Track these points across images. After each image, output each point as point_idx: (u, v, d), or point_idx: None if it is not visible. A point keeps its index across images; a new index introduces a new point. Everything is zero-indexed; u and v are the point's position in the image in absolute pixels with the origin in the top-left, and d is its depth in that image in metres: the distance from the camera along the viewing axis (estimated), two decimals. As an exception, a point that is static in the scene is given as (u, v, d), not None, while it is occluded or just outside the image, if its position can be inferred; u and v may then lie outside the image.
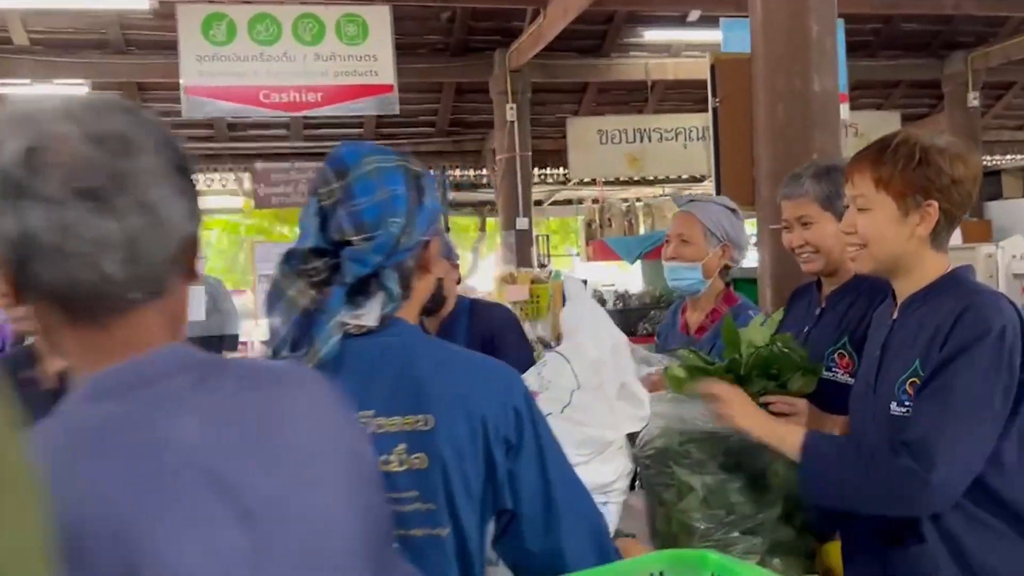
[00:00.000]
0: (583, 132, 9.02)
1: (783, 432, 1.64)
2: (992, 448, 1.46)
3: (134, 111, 0.76)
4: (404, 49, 7.91)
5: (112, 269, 0.70)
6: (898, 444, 1.48)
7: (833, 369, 2.03)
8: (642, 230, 4.92)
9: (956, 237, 5.57)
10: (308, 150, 9.38)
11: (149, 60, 7.65)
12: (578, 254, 8.33)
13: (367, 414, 1.11)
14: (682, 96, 9.66)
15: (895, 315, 1.67)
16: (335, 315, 1.13)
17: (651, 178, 10.25)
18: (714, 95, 3.69)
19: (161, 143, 0.75)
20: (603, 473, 1.75)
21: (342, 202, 1.13)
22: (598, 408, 1.77)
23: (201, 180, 9.56)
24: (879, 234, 1.58)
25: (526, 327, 6.37)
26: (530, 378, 1.96)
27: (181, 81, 6.08)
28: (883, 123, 9.56)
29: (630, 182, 10.59)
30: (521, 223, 8.14)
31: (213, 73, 6.14)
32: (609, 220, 4.78)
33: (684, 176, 10.49)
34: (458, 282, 2.74)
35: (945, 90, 9.95)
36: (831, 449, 1.58)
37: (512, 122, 8.11)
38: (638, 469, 1.89)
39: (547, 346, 6.19)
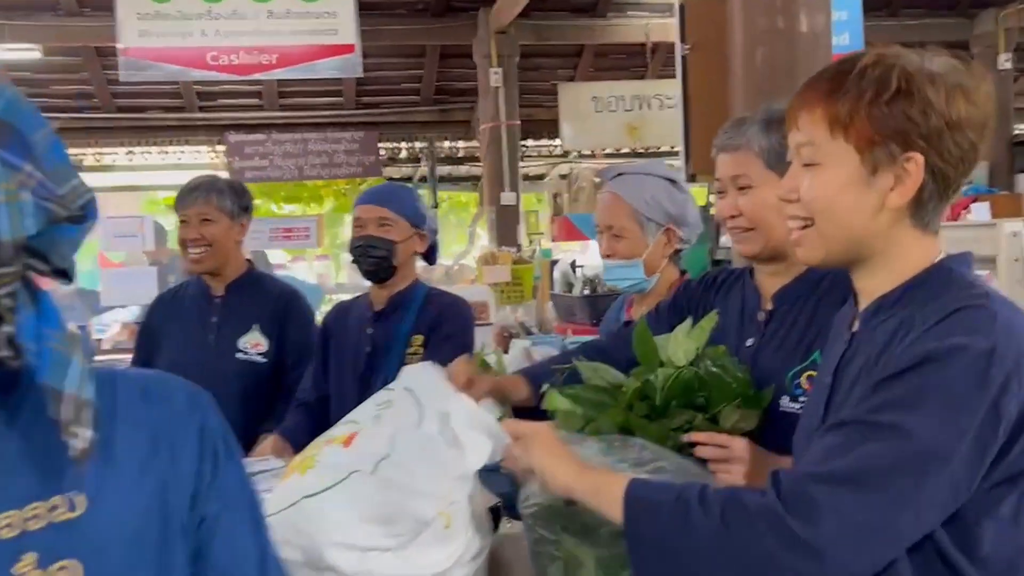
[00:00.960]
0: (576, 100, 8.36)
1: (597, 480, 1.10)
2: (945, 522, 0.94)
3: None
4: (379, 8, 7.33)
5: None
6: (770, 482, 0.95)
7: (800, 398, 1.44)
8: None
9: (983, 211, 4.88)
10: (284, 120, 8.84)
11: (106, 23, 7.12)
12: (540, 234, 7.72)
13: None
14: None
15: (855, 326, 1.10)
16: None
17: (654, 149, 9.58)
18: (683, 42, 3.09)
19: None
20: (431, 561, 1.20)
21: None
22: (423, 466, 1.21)
23: (172, 152, 9.08)
24: (833, 202, 1.04)
25: (506, 312, 5.92)
26: (363, 420, 1.40)
27: (118, 44, 5.55)
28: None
29: (632, 154, 9.95)
30: (507, 198, 7.56)
31: (154, 33, 5.60)
32: (576, 194, 4.18)
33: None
34: (426, 256, 2.32)
35: (973, 51, 9.12)
36: (665, 497, 1.01)
37: (497, 88, 7.50)
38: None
39: (529, 332, 5.72)
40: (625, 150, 9.65)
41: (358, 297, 2.40)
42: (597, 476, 1.10)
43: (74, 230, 0.73)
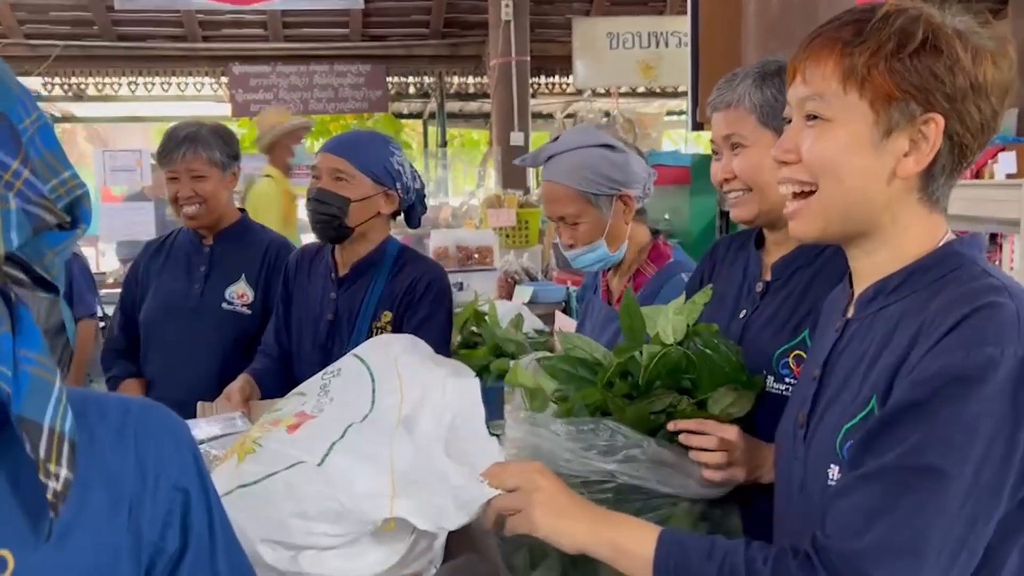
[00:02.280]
0: (591, 35, 8.07)
1: (617, 538, 0.98)
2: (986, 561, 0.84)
3: None
4: (386, -64, 7.03)
5: None
6: (814, 552, 0.86)
7: (787, 379, 1.35)
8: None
9: (1010, 162, 4.65)
10: (289, 52, 8.60)
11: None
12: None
13: None
14: (706, -5, 8.63)
15: (849, 312, 1.00)
16: None
17: (670, 89, 9.28)
18: (694, -20, 2.90)
19: None
20: (371, 560, 1.11)
21: None
22: (373, 466, 1.10)
23: (175, 84, 8.87)
24: (840, 164, 0.93)
25: (510, 257, 5.81)
26: (310, 391, 1.30)
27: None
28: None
29: (648, 93, 9.65)
30: (515, 138, 7.34)
31: (146, -42, 5.39)
32: (581, 137, 4.02)
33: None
34: (394, 216, 2.11)
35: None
36: (707, 569, 0.91)
37: (508, 22, 7.21)
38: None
39: (533, 279, 5.62)
40: (640, 89, 9.37)
41: (325, 246, 2.19)
42: (616, 532, 0.98)
43: (63, 237, 0.63)
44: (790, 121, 0.99)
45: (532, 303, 4.88)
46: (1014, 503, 0.82)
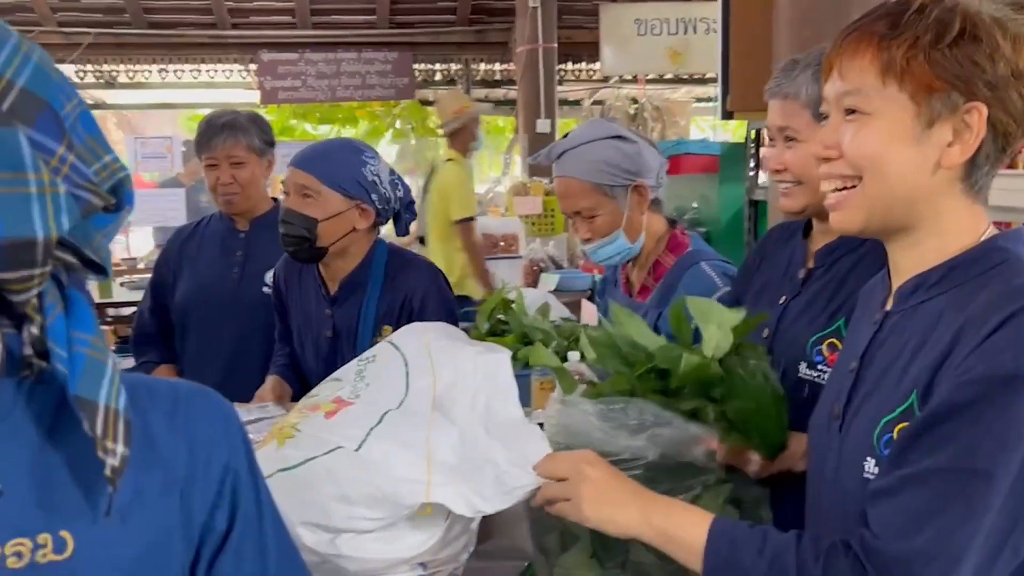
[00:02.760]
0: (618, 21, 8.00)
1: (667, 524, 1.00)
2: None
3: None
4: (413, -78, 7.02)
5: None
6: (863, 554, 0.85)
7: (819, 366, 1.36)
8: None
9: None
10: (317, 39, 8.63)
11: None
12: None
13: None
14: (736, -19, 8.52)
15: (888, 304, 0.99)
16: None
17: (698, 76, 9.19)
18: (726, -33, 2.86)
19: None
20: (412, 541, 1.14)
21: None
22: (410, 452, 1.13)
23: (205, 72, 8.95)
24: (884, 157, 0.92)
25: (536, 244, 5.81)
26: (346, 377, 1.32)
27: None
28: None
29: (676, 80, 9.56)
30: (542, 126, 7.32)
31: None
32: (609, 126, 4.00)
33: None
34: (372, 227, 2.00)
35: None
36: (758, 565, 0.92)
37: (535, 8, 7.18)
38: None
39: (559, 267, 5.62)
40: (668, 76, 9.29)
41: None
42: (666, 519, 1.00)
43: (109, 219, 0.65)
44: (826, 117, 0.99)
45: (558, 291, 4.88)
46: None
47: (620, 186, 1.78)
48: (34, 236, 0.57)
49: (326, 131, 12.15)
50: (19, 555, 0.62)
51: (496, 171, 12.21)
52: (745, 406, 1.23)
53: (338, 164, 1.91)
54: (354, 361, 1.35)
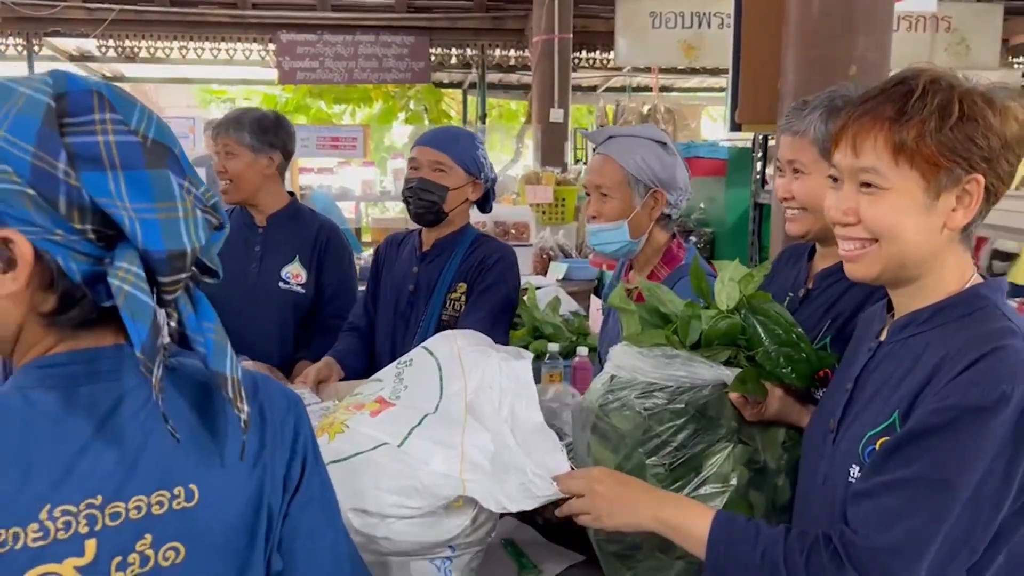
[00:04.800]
0: (634, 14, 8.08)
1: (675, 518, 1.18)
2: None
3: None
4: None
5: None
6: (842, 546, 1.03)
7: None
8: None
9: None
10: (337, 21, 8.72)
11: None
12: (577, 162, 7.49)
13: (92, 501, 0.77)
14: (751, -24, 8.55)
15: (883, 335, 1.16)
16: None
17: (710, 68, 9.27)
18: (739, -17, 2.98)
19: None
20: (444, 528, 1.31)
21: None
22: (447, 450, 1.30)
23: (224, 50, 9.05)
24: (900, 227, 1.06)
25: (546, 233, 5.94)
26: (387, 378, 1.50)
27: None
28: (981, 18, 8.37)
29: (688, 71, 9.65)
30: (555, 115, 7.42)
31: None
32: (622, 127, 4.12)
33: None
34: (480, 203, 2.31)
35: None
36: (752, 556, 1.09)
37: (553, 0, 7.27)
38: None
39: (568, 256, 5.74)
40: (680, 67, 9.37)
41: (412, 231, 2.42)
42: (674, 514, 1.18)
43: (219, 235, 0.85)
44: (835, 180, 1.13)
45: (566, 279, 5.03)
46: (1010, 512, 0.98)
47: (644, 184, 1.91)
48: (185, 248, 0.77)
49: (340, 110, 12.28)
50: (160, 503, 0.80)
51: (507, 153, 12.31)
52: (773, 346, 1.37)
53: (464, 145, 2.25)
54: (393, 364, 1.53)
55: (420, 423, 1.33)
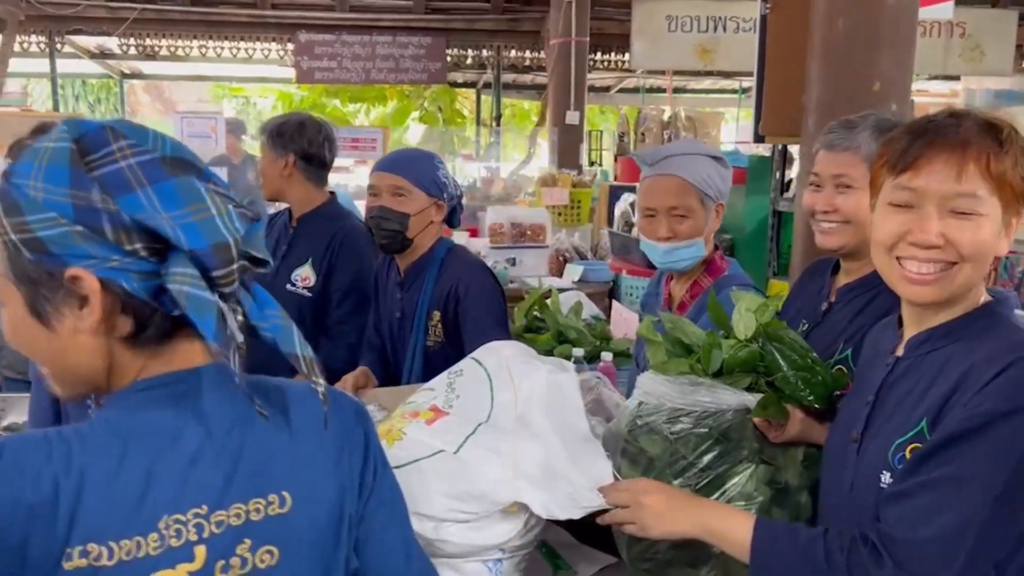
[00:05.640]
0: (650, 17, 8.13)
1: (720, 526, 1.25)
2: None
3: None
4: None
5: None
6: (880, 542, 1.10)
7: None
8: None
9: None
10: (355, 22, 8.80)
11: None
12: (592, 164, 7.52)
13: (198, 511, 0.85)
14: (767, -20, 8.60)
15: (901, 350, 1.23)
16: None
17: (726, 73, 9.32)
18: (764, 0, 3.04)
19: None
20: (497, 531, 1.39)
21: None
22: (500, 458, 1.37)
23: (243, 49, 9.14)
24: (988, 253, 1.14)
25: (562, 235, 6.00)
26: (439, 387, 1.57)
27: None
28: (996, 24, 8.40)
29: (701, 72, 9.70)
30: (571, 117, 7.49)
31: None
32: (643, 134, 4.16)
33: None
34: (449, 223, 2.29)
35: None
36: (793, 555, 1.17)
37: (570, 3, 7.34)
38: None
39: (583, 257, 5.79)
40: (695, 70, 9.41)
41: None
42: (717, 521, 1.24)
43: (258, 226, 0.91)
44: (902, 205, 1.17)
45: (581, 281, 5.08)
46: None
47: (711, 199, 1.96)
48: (227, 240, 0.83)
49: (355, 109, 12.36)
50: (257, 510, 0.88)
51: (520, 152, 12.38)
52: (791, 371, 1.44)
53: (422, 167, 2.20)
54: (444, 373, 1.60)
55: (474, 432, 1.41)
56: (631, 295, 4.72)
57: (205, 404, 0.87)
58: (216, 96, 16.16)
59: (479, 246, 5.67)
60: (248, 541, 0.87)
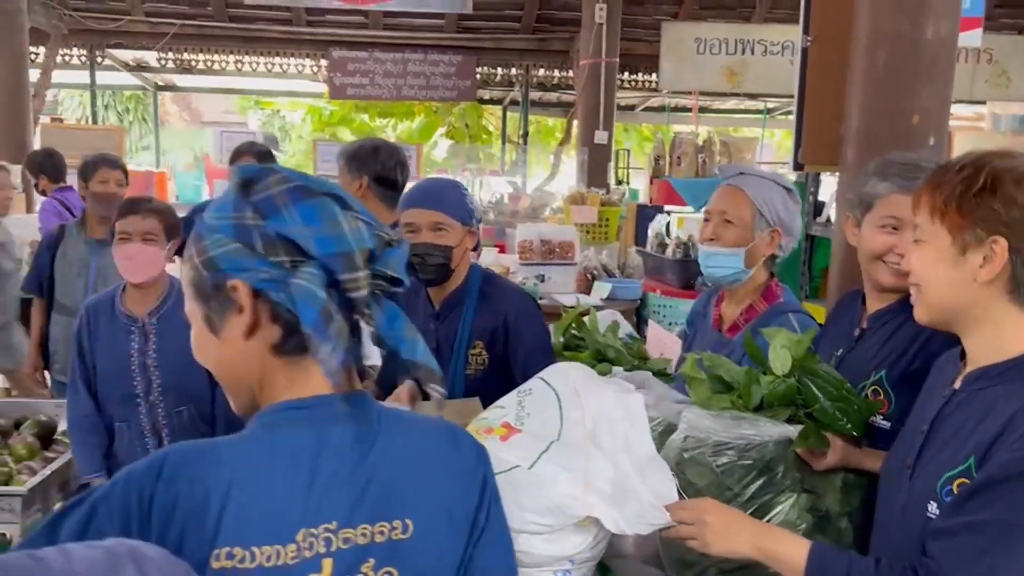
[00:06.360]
0: (679, 39, 8.25)
1: (777, 551, 1.32)
2: None
3: None
4: (489, -64, 7.30)
5: None
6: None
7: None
8: (716, 171, 4.37)
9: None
10: (387, 40, 8.96)
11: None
12: (619, 183, 7.62)
13: (328, 527, 0.93)
14: (794, 5, 8.68)
15: (957, 384, 1.30)
16: None
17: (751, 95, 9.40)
18: (806, 33, 3.13)
19: None
20: (570, 543, 1.47)
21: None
22: (573, 475, 1.46)
23: (278, 65, 9.33)
24: (929, 275, 1.27)
25: (590, 252, 6.08)
26: (509, 405, 1.66)
27: (245, -34, 5.74)
28: (1022, 50, 8.43)
29: (728, 95, 9.78)
30: (600, 137, 7.60)
31: (281, -41, 5.78)
32: (679, 158, 4.25)
33: (784, 94, 9.59)
34: (475, 249, 2.33)
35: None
36: (841, 574, 1.24)
37: (601, 24, 7.46)
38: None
39: (611, 275, 5.86)
40: (722, 91, 9.50)
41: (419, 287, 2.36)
42: (774, 545, 1.31)
43: (397, 251, 1.01)
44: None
45: (609, 299, 5.16)
46: None
47: (767, 221, 2.03)
48: (351, 249, 0.94)
49: (383, 124, 12.53)
50: (382, 533, 0.96)
51: (544, 168, 12.50)
52: (828, 402, 1.53)
53: (456, 199, 2.24)
54: (514, 392, 1.69)
55: (547, 449, 1.49)
56: (659, 313, 4.79)
57: (342, 429, 0.96)
58: (242, 107, 16.39)
59: (508, 262, 5.76)
60: (372, 560, 0.94)
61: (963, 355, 1.33)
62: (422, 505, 0.99)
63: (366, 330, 0.97)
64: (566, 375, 1.69)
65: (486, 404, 2.16)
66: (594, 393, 1.61)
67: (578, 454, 1.49)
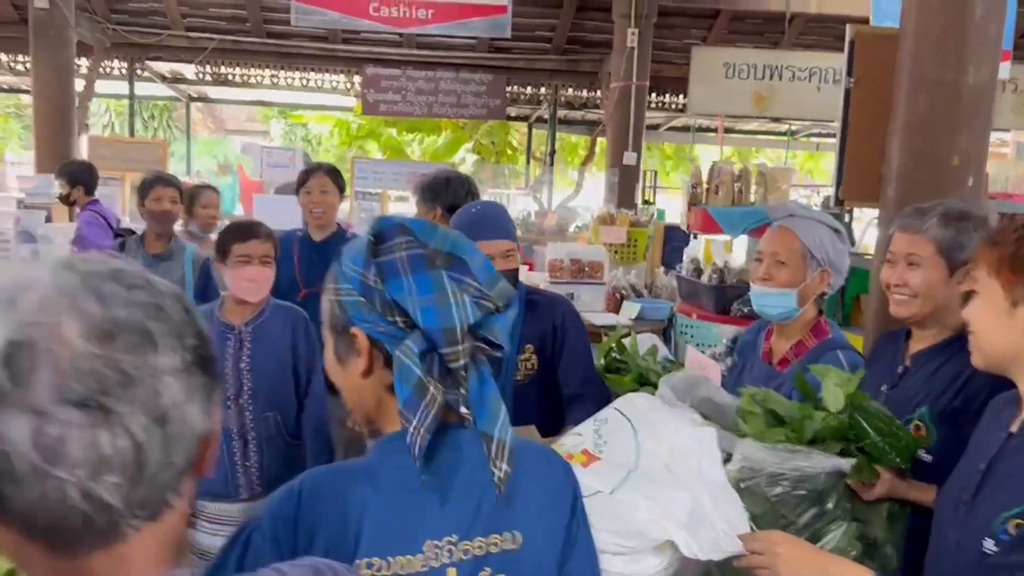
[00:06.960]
0: (708, 63, 8.39)
1: None
2: None
3: (149, 286, 0.66)
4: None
5: (106, 494, 0.60)
6: None
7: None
8: (753, 199, 4.46)
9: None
10: (420, 58, 9.14)
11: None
12: (646, 203, 7.76)
13: (451, 539, 1.04)
14: (823, 31, 8.84)
15: (1013, 426, 1.41)
16: None
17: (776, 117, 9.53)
18: (849, 74, 3.25)
19: (182, 329, 0.66)
20: (647, 564, 1.59)
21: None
22: (651, 502, 1.58)
23: (312, 80, 9.51)
24: (983, 324, 1.40)
25: (619, 272, 6.19)
26: (586, 433, 1.78)
27: (291, -11, 5.93)
28: (1049, 81, 8.52)
29: (755, 117, 9.91)
30: (628, 158, 7.72)
31: (324, -19, 5.96)
32: (716, 187, 4.36)
33: (811, 119, 9.72)
34: (515, 268, 2.46)
35: None
36: None
37: (632, 48, 7.59)
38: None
39: (639, 295, 5.96)
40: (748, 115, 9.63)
41: None
42: (839, 573, 1.41)
43: (501, 317, 1.10)
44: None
45: (638, 319, 5.26)
46: None
47: (817, 262, 2.13)
48: (454, 325, 1.01)
49: (410, 138, 12.71)
50: (495, 544, 1.07)
51: (567, 185, 12.63)
52: (878, 437, 1.65)
53: (510, 222, 2.40)
54: (590, 420, 1.81)
55: (626, 477, 1.62)
56: (686, 334, 4.90)
57: (460, 451, 1.08)
58: (265, 116, 16.57)
59: (537, 280, 5.87)
60: (488, 569, 1.05)
61: (1020, 400, 1.43)
62: (528, 517, 1.10)
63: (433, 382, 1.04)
64: (637, 405, 1.82)
65: (531, 411, 2.32)
66: (668, 424, 1.74)
67: (656, 483, 1.61)
